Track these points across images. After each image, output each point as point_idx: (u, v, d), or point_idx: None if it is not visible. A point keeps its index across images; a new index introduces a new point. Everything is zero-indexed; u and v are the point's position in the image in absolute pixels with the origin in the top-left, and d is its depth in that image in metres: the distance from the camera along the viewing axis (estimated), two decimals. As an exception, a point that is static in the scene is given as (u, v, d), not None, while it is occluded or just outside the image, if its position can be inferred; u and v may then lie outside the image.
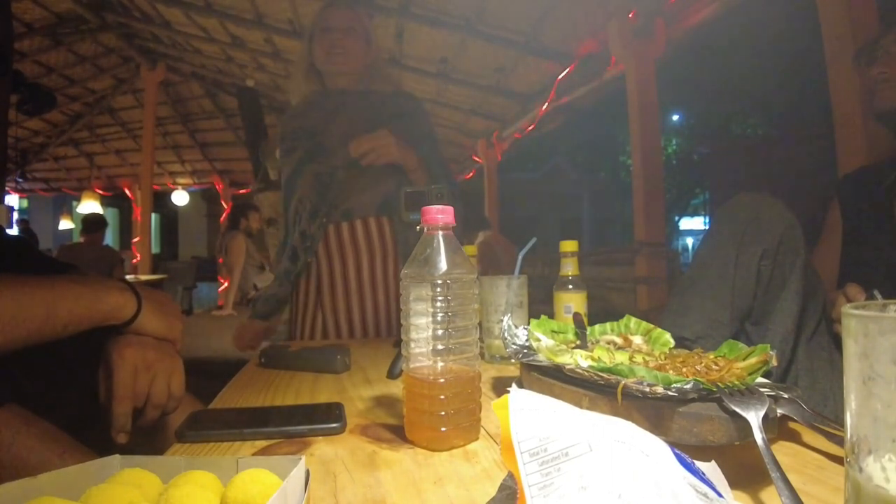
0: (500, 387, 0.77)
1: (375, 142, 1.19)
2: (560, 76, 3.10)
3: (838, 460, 0.47)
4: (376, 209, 1.32)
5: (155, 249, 8.68)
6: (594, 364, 0.54)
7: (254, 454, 0.52)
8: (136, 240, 6.02)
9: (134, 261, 5.47)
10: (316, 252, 1.32)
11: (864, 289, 0.83)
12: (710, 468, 0.35)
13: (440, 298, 0.52)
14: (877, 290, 0.78)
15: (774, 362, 0.51)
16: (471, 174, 5.85)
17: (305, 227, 1.31)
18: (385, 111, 1.32)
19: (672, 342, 0.67)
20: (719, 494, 0.30)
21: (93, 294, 0.63)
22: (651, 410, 0.47)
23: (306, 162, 1.32)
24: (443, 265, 0.53)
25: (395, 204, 1.18)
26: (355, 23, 1.34)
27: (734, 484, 0.38)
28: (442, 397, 0.51)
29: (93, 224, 4.42)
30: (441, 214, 0.54)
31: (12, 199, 8.59)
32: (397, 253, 1.33)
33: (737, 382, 0.47)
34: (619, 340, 0.70)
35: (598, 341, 0.70)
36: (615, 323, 0.76)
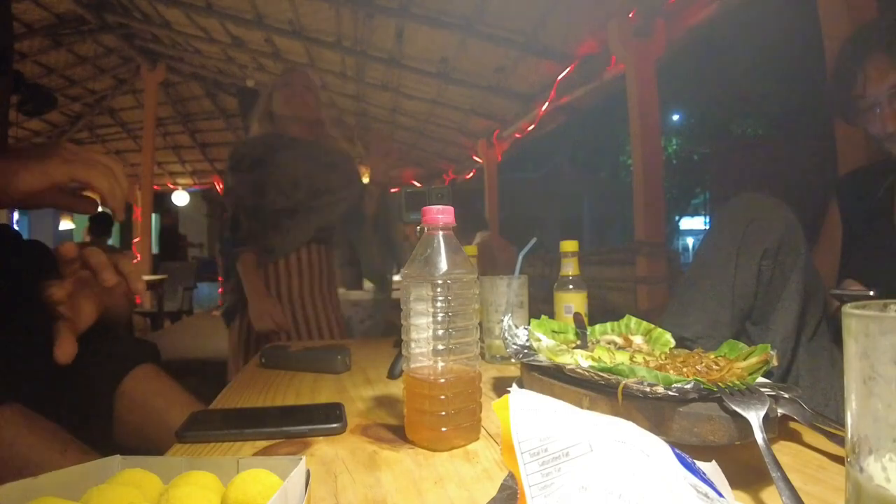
0: (501, 387, 0.77)
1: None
2: (560, 76, 3.10)
3: (839, 460, 0.47)
4: (307, 242, 1.61)
5: (155, 250, 8.67)
6: (595, 364, 0.54)
7: (254, 454, 0.52)
8: (136, 240, 6.02)
9: (134, 261, 5.46)
10: (267, 270, 1.59)
11: (864, 286, 0.83)
12: (711, 468, 0.35)
13: (440, 298, 0.52)
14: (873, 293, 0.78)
15: (775, 362, 0.51)
16: (471, 174, 5.85)
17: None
18: (322, 161, 1.63)
19: (672, 342, 0.67)
20: (720, 494, 0.30)
21: (26, 161, 0.60)
22: (652, 410, 0.47)
23: (256, 193, 1.58)
24: (443, 265, 0.53)
25: (325, 235, 1.63)
26: (310, 84, 1.70)
27: (735, 484, 0.38)
28: (442, 397, 0.51)
29: (100, 225, 4.41)
30: (441, 214, 0.54)
31: (12, 200, 8.57)
32: (332, 274, 1.70)
33: (737, 382, 0.47)
34: (619, 340, 0.70)
35: (598, 341, 0.70)
36: (615, 323, 0.76)
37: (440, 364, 0.53)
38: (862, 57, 0.93)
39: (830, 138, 1.58)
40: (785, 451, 0.50)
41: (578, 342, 0.70)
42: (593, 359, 0.57)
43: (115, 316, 0.78)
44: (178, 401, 0.83)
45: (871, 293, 0.79)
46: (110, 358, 0.81)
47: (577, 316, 0.80)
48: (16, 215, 8.46)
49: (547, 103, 3.36)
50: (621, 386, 0.48)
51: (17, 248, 0.81)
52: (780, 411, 0.49)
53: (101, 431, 0.75)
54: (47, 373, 0.72)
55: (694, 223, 17.34)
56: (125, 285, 0.66)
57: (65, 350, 0.59)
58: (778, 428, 0.48)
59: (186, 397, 0.86)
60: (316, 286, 1.63)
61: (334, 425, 0.57)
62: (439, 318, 0.52)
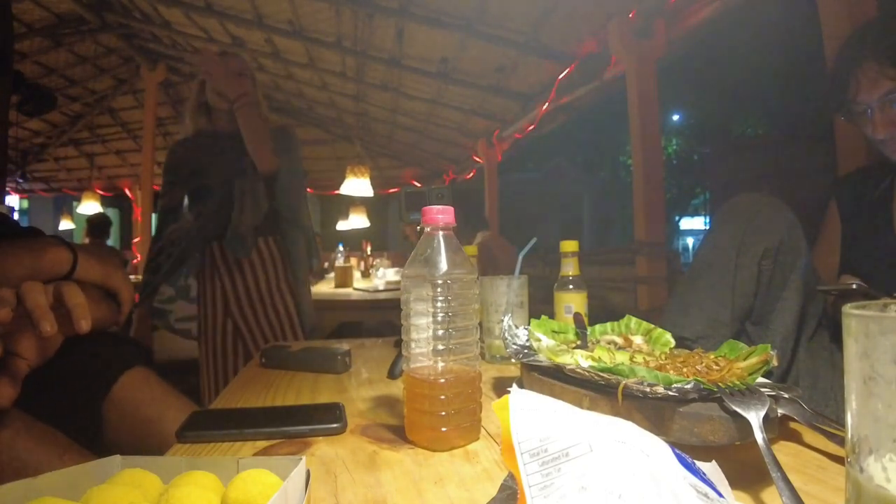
0: (501, 387, 0.77)
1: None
2: (560, 76, 3.10)
3: (839, 460, 0.47)
4: (253, 233, 1.57)
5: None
6: (595, 364, 0.54)
7: (254, 454, 0.52)
8: (136, 240, 6.01)
9: (134, 261, 5.45)
10: (218, 269, 1.59)
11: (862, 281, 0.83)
12: (711, 468, 0.35)
13: (441, 298, 0.52)
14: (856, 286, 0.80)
15: (775, 362, 0.51)
16: (471, 174, 5.84)
17: (180, 254, 1.57)
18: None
19: (672, 342, 0.67)
20: (720, 494, 0.30)
21: (32, 254, 0.64)
22: (652, 410, 0.47)
23: (192, 200, 1.59)
24: (443, 265, 0.53)
25: (253, 226, 1.55)
26: (245, 69, 1.55)
27: (735, 484, 0.38)
28: (442, 397, 0.51)
29: (98, 226, 4.40)
30: (441, 214, 0.54)
31: (13, 200, 8.58)
32: (285, 265, 1.64)
33: (737, 382, 0.47)
34: (619, 340, 0.70)
35: (598, 341, 0.70)
36: (615, 323, 0.76)
37: (440, 364, 0.53)
38: (854, 64, 0.93)
39: (830, 138, 1.58)
40: (785, 451, 0.50)
41: (578, 342, 0.70)
42: (593, 359, 0.57)
43: (97, 326, 0.75)
44: (173, 406, 0.81)
45: (854, 286, 0.79)
46: (97, 362, 0.78)
47: (577, 316, 0.80)
48: (16, 214, 8.46)
49: (547, 103, 3.36)
50: (621, 386, 0.48)
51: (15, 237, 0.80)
52: (780, 411, 0.49)
53: (90, 442, 0.72)
54: (46, 377, 0.71)
55: (694, 223, 17.35)
56: (97, 292, 0.68)
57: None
58: (778, 428, 0.48)
59: (181, 402, 0.83)
60: (273, 281, 1.60)
61: (334, 425, 0.57)
62: (439, 318, 0.52)
